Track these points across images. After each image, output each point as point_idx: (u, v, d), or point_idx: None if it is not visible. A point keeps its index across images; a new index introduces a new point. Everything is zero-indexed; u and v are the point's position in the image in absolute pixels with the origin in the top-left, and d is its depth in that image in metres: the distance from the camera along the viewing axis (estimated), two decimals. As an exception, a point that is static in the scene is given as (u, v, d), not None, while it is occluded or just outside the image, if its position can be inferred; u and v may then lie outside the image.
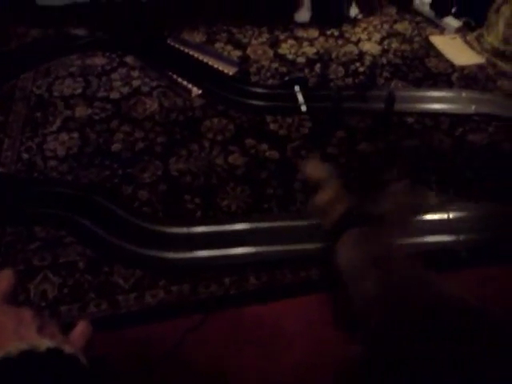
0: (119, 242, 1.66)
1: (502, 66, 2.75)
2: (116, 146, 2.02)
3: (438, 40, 2.90)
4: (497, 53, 2.84)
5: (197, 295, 1.56)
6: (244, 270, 1.63)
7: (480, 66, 2.74)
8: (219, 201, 1.84)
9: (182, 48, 2.59)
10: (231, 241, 1.70)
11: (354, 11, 3.02)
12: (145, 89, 2.31)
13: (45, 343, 0.49)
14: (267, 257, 1.68)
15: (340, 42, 2.79)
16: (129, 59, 2.48)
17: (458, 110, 2.40)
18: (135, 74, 2.40)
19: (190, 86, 2.33)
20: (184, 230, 1.72)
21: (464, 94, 2.52)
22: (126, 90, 2.30)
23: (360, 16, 3.03)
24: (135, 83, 2.34)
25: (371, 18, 3.05)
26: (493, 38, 2.91)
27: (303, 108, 2.31)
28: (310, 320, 1.52)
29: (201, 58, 2.53)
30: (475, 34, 2.96)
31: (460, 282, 1.66)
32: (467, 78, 2.61)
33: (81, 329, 0.55)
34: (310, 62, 2.62)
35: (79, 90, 2.31)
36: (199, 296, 1.55)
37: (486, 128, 2.30)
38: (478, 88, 2.57)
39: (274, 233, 1.75)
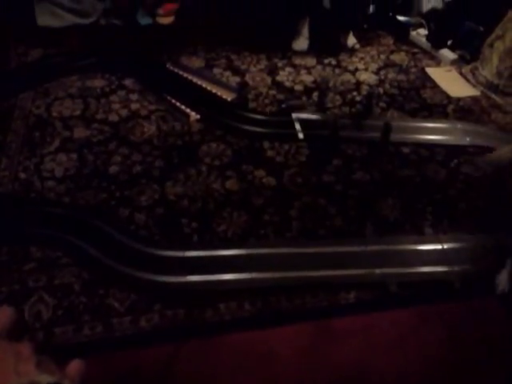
0: (115, 264, 1.65)
1: (496, 99, 2.80)
2: (113, 169, 2.02)
3: (433, 71, 2.96)
4: (491, 86, 2.89)
5: (191, 320, 1.54)
6: (239, 296, 1.62)
7: (475, 99, 2.78)
8: (215, 226, 1.83)
9: (180, 73, 2.62)
10: (227, 266, 1.70)
11: (351, 41, 3.07)
12: (143, 112, 2.33)
13: (45, 378, 0.49)
14: (262, 283, 1.67)
15: (337, 70, 2.83)
16: (128, 82, 2.51)
17: (453, 142, 2.43)
18: (134, 97, 2.42)
19: (188, 110, 2.35)
20: (180, 254, 1.71)
21: (459, 126, 2.56)
22: (124, 112, 2.31)
23: (357, 46, 3.09)
24: (134, 106, 2.36)
25: (368, 48, 3.10)
26: (487, 72, 2.97)
27: (301, 135, 2.33)
28: (304, 347, 1.51)
29: (199, 83, 2.56)
30: (470, 66, 3.01)
31: (453, 313, 1.67)
32: (462, 110, 2.65)
33: (76, 366, 0.55)
34: (308, 90, 2.65)
35: (78, 112, 2.32)
36: (194, 321, 1.54)
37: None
38: (472, 120, 2.61)
39: (270, 259, 1.75)
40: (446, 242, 1.91)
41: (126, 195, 1.91)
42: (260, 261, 1.74)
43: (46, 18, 2.85)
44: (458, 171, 2.24)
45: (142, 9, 3.10)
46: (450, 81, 2.91)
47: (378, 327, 1.61)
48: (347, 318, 1.62)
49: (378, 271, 1.77)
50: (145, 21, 3.06)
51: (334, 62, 2.91)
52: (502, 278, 1.71)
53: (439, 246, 1.90)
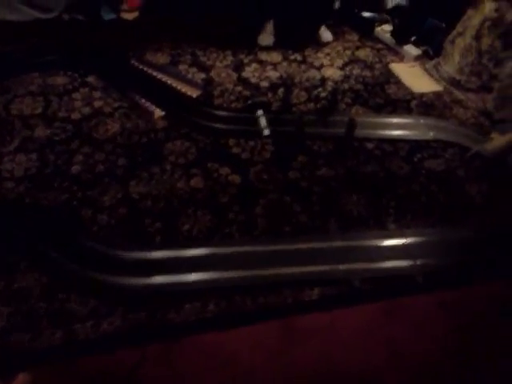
0: (76, 267, 1.62)
1: (458, 94, 2.85)
2: (75, 168, 1.98)
3: (397, 67, 2.99)
4: (453, 82, 2.95)
5: (155, 323, 1.53)
6: (204, 297, 1.62)
7: (437, 94, 2.83)
8: (180, 225, 1.82)
9: (145, 69, 2.58)
10: (191, 266, 1.69)
11: (327, 35, 3.09)
12: (107, 110, 2.29)
13: None
14: (227, 283, 1.67)
15: (303, 67, 2.84)
16: (91, 79, 2.46)
17: (417, 137, 2.47)
18: (97, 94, 2.37)
19: (152, 107, 2.32)
20: (143, 255, 1.70)
21: (422, 121, 2.59)
22: (87, 110, 2.27)
23: (331, 40, 3.10)
24: (97, 104, 2.32)
25: (334, 44, 3.12)
26: (449, 68, 3.02)
27: (266, 132, 2.33)
28: (269, 348, 1.52)
29: (164, 79, 2.53)
30: (433, 62, 3.06)
31: (417, 307, 1.70)
32: (425, 106, 2.69)
33: (21, 380, 0.54)
34: (274, 86, 2.65)
35: (39, 110, 2.27)
36: (157, 323, 1.53)
37: (442, 154, 2.38)
38: (435, 115, 2.65)
39: (235, 258, 1.75)
40: (409, 236, 1.95)
41: (88, 195, 1.88)
42: (225, 260, 1.74)
43: (3, 12, 2.76)
44: (421, 166, 2.28)
45: (106, 4, 3.05)
46: (414, 76, 2.94)
47: (342, 323, 1.63)
48: (311, 315, 1.64)
49: (341, 267, 1.79)
50: (109, 16, 3.01)
51: (299, 58, 2.91)
52: None
53: (402, 241, 1.93)
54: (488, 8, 2.92)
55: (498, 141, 2.40)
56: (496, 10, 2.87)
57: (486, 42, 2.89)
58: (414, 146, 2.40)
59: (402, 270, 1.82)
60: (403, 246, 1.92)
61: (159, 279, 1.65)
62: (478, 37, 2.93)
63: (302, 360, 1.51)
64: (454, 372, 1.55)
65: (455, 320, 1.67)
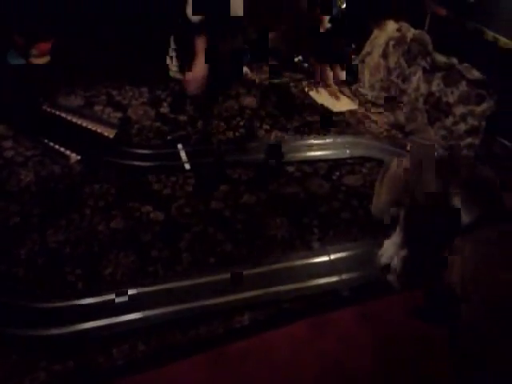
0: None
1: (370, 110, 3.00)
2: (-12, 223, 1.91)
3: (315, 91, 3.10)
4: (365, 99, 3.09)
5: (82, 371, 1.48)
6: (132, 337, 1.58)
7: (352, 112, 2.95)
8: (102, 269, 1.79)
9: (58, 113, 2.54)
10: (116, 309, 1.65)
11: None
12: (19, 159, 2.23)
13: None
14: (155, 320, 1.65)
15: (220, 98, 2.88)
16: (0, 128, 2.39)
17: (335, 156, 2.56)
18: (8, 144, 2.30)
19: (67, 152, 2.28)
20: (63, 303, 1.65)
21: (339, 140, 2.70)
22: (-3, 161, 2.20)
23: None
24: (8, 154, 2.25)
25: (250, 74, 3.19)
26: (361, 86, 3.18)
27: (187, 166, 2.34)
28: (199, 381, 1.50)
29: (79, 122, 2.50)
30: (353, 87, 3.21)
31: (345, 320, 1.74)
32: (341, 124, 2.80)
33: None
34: (192, 119, 2.67)
35: None
36: (85, 372, 1.48)
37: (360, 170, 2.47)
38: (351, 132, 2.76)
39: (161, 295, 1.73)
40: (333, 252, 2.00)
41: (2, 249, 1.80)
42: (151, 298, 1.72)
43: None
44: (340, 183, 2.35)
45: (14, 50, 2.98)
46: (330, 97, 3.06)
47: (272, 345, 1.64)
48: (242, 341, 1.64)
49: (271, 290, 1.81)
50: (17, 61, 2.94)
51: (216, 89, 2.96)
52: (386, 249, 1.64)
53: (326, 258, 1.98)
54: (391, 28, 3.11)
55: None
56: (398, 30, 3.06)
57: (392, 59, 3.06)
58: (333, 164, 2.48)
59: (327, 286, 1.86)
60: (328, 262, 1.96)
61: (84, 326, 1.60)
62: (384, 55, 3.10)
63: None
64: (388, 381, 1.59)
65: (381, 330, 1.72)
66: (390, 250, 1.50)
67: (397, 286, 1.44)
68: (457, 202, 1.23)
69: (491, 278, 1.09)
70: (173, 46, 2.92)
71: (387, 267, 1.49)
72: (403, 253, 1.44)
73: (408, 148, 2.53)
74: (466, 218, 1.22)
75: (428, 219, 1.29)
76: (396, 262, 1.46)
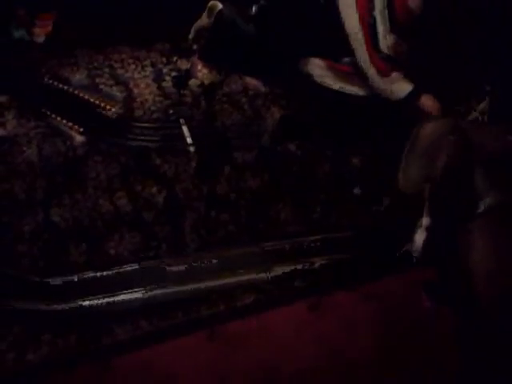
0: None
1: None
2: (-10, 196, 1.90)
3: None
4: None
5: (84, 346, 1.50)
6: (135, 315, 1.60)
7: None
8: (106, 246, 1.79)
9: (60, 86, 2.51)
10: (119, 286, 1.67)
11: None
12: (21, 131, 2.20)
13: None
14: (158, 299, 1.66)
15: (223, 73, 2.84)
16: (3, 99, 2.35)
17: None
18: (10, 115, 2.28)
19: (70, 124, 2.26)
20: (67, 278, 1.66)
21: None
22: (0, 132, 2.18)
23: None
24: (10, 125, 2.22)
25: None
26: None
27: (189, 140, 2.33)
28: (202, 358, 1.53)
29: (81, 95, 2.47)
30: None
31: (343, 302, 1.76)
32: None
33: None
34: (196, 96, 2.64)
35: None
36: (87, 347, 1.50)
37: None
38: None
39: (164, 274, 1.74)
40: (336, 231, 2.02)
41: (7, 224, 1.80)
42: (153, 277, 1.73)
43: None
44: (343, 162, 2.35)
45: (16, 21, 2.93)
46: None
47: (273, 324, 1.66)
48: (243, 320, 1.66)
49: (271, 270, 1.82)
50: (19, 34, 2.89)
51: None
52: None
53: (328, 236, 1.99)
54: None
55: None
56: None
57: None
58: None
59: (328, 266, 1.88)
60: (329, 241, 1.98)
61: (87, 302, 1.62)
62: None
63: (236, 366, 1.54)
64: (387, 365, 1.61)
65: (380, 311, 1.74)
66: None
67: (417, 255, 1.41)
68: (479, 180, 1.17)
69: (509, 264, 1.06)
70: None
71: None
72: (426, 222, 1.40)
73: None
74: (488, 198, 1.16)
75: (451, 193, 1.24)
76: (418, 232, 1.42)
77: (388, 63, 2.39)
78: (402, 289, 1.84)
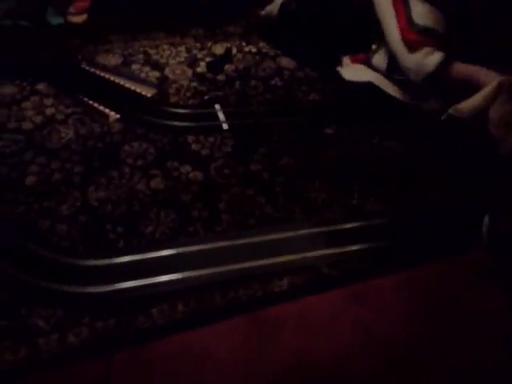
0: (36, 280, 1.58)
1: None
2: (30, 179, 1.93)
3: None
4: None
5: (122, 330, 1.50)
6: (172, 298, 1.60)
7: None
8: (142, 228, 1.79)
9: (97, 72, 2.53)
10: (156, 269, 1.66)
11: None
12: (59, 117, 2.23)
13: None
14: (195, 281, 1.65)
15: (258, 57, 2.82)
16: (41, 86, 2.39)
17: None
18: (49, 101, 2.31)
19: (107, 110, 2.27)
20: (105, 261, 1.67)
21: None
22: (39, 119, 2.20)
23: None
24: (49, 111, 2.25)
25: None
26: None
27: (225, 126, 2.31)
28: (239, 343, 1.51)
29: (117, 81, 2.48)
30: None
31: (382, 289, 1.72)
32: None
33: None
34: (230, 80, 2.62)
35: (-13, 122, 2.19)
36: (125, 330, 1.50)
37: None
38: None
39: (201, 256, 1.73)
40: (373, 218, 1.97)
41: (45, 206, 1.83)
42: (190, 259, 1.72)
43: None
44: (380, 147, 2.30)
45: (52, 8, 2.96)
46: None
47: (310, 310, 1.63)
48: (280, 305, 1.63)
49: (309, 255, 1.79)
50: (55, 20, 2.92)
51: (254, 50, 2.89)
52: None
53: (366, 223, 1.95)
54: None
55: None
56: None
57: None
58: (372, 128, 2.42)
59: (367, 252, 1.83)
60: (367, 227, 1.93)
61: (125, 285, 1.62)
62: None
63: (273, 351, 1.51)
64: (425, 353, 1.57)
65: (414, 300, 1.70)
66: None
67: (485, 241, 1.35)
68: None
69: None
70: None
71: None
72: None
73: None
74: None
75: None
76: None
77: (422, 36, 2.30)
78: (436, 279, 1.79)
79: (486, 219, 1.60)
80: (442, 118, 1.95)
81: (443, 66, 2.27)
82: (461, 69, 2.31)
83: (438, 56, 2.28)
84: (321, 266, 1.75)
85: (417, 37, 2.32)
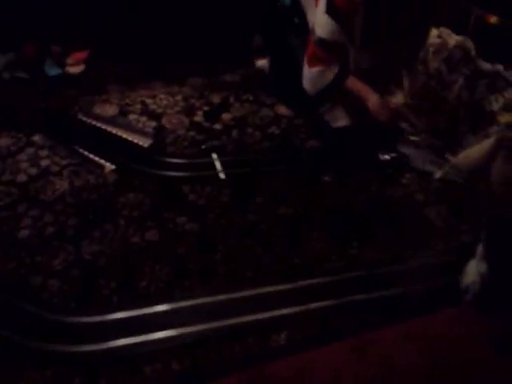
0: (25, 340, 1.52)
1: (410, 118, 2.89)
2: (23, 233, 1.90)
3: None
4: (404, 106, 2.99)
5: (115, 390, 1.44)
6: (165, 356, 1.54)
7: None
8: (137, 282, 1.75)
9: (93, 122, 2.53)
10: (150, 325, 1.61)
11: None
12: (54, 168, 2.21)
13: None
14: (189, 338, 1.59)
15: (255, 106, 2.84)
16: (37, 138, 2.39)
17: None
18: (44, 153, 2.30)
19: (102, 161, 2.26)
20: (97, 318, 1.61)
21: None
22: (33, 171, 2.19)
23: None
24: (44, 163, 2.24)
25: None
26: (399, 93, 3.07)
27: (222, 175, 2.30)
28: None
29: (114, 131, 2.48)
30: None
31: (386, 340, 1.65)
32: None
33: None
34: (227, 128, 2.63)
35: (-19, 175, 2.18)
36: (117, 392, 1.44)
37: (399, 180, 2.38)
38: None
39: (196, 311, 1.68)
40: (373, 267, 1.92)
41: (37, 261, 1.79)
42: (185, 314, 1.67)
43: None
44: (379, 194, 2.27)
45: (50, 59, 3.01)
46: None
47: (311, 368, 1.57)
48: (279, 361, 1.57)
49: (310, 306, 1.74)
50: (54, 71, 2.96)
51: (251, 98, 2.91)
52: (469, 271, 1.57)
53: (367, 273, 1.90)
54: (431, 35, 3.00)
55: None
56: (438, 36, 2.95)
57: (432, 66, 2.96)
58: (371, 174, 2.40)
59: (368, 302, 1.78)
60: (368, 277, 1.89)
61: (118, 343, 1.56)
62: (424, 62, 3.00)
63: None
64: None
65: (424, 351, 1.63)
66: (473, 268, 1.36)
67: (469, 300, 1.31)
68: None
69: None
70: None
71: (467, 289, 1.36)
72: (483, 268, 1.30)
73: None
74: None
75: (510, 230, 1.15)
76: (474, 280, 1.32)
77: (320, 48, 2.39)
78: (447, 327, 1.73)
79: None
80: (437, 176, 1.93)
81: (336, 82, 2.42)
82: (350, 84, 2.46)
83: (333, 71, 2.40)
84: (320, 318, 1.70)
85: (315, 49, 2.40)
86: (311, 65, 2.44)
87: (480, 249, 1.36)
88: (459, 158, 1.70)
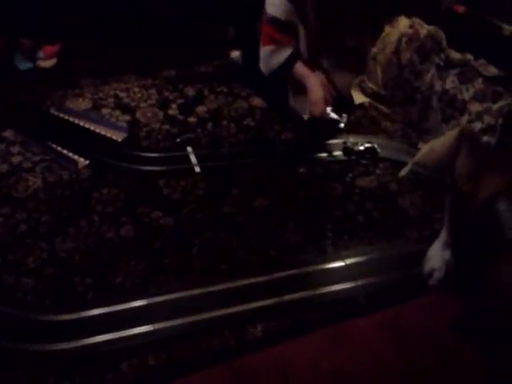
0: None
1: (383, 109, 2.92)
2: (-5, 231, 1.87)
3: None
4: (377, 97, 3.02)
5: (91, 388, 1.44)
6: (142, 352, 1.54)
7: (364, 111, 2.88)
8: (112, 278, 1.74)
9: (65, 117, 2.50)
10: (125, 321, 1.61)
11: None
12: (27, 165, 2.19)
13: None
14: (165, 333, 1.60)
15: (230, 98, 2.83)
16: (8, 133, 2.35)
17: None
18: (15, 149, 2.27)
19: (76, 157, 2.24)
20: (73, 315, 1.60)
21: (351, 139, 2.62)
22: (4, 167, 2.16)
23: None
24: (15, 160, 2.21)
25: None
26: (373, 84, 3.10)
27: (197, 169, 2.29)
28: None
29: (87, 126, 2.46)
30: (357, 80, 3.12)
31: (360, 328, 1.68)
32: (353, 123, 2.73)
33: None
34: (202, 121, 2.62)
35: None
36: (94, 388, 1.44)
37: (373, 171, 2.41)
38: (364, 131, 2.69)
39: (172, 306, 1.68)
40: (348, 257, 1.94)
41: (9, 259, 1.77)
42: (161, 309, 1.67)
43: None
44: (353, 185, 2.29)
45: (21, 53, 2.95)
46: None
47: (289, 357, 1.59)
48: (257, 353, 1.58)
49: (285, 298, 1.75)
50: (24, 65, 2.91)
51: (225, 90, 2.90)
52: (432, 255, 1.55)
53: (342, 263, 1.92)
54: (403, 24, 3.02)
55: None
56: (410, 26, 2.98)
57: (404, 56, 2.98)
58: (345, 165, 2.42)
59: (344, 292, 1.80)
60: (343, 267, 1.91)
61: (93, 340, 1.56)
62: (397, 52, 3.02)
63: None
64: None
65: (398, 338, 1.66)
66: (436, 253, 1.38)
67: (433, 284, 1.33)
68: (503, 206, 1.10)
69: None
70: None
71: (431, 273, 1.37)
72: (446, 255, 1.32)
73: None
74: None
75: (472, 220, 1.16)
76: (439, 266, 1.34)
77: (272, 27, 2.41)
78: (420, 314, 1.76)
79: None
80: (401, 173, 1.93)
81: (289, 63, 2.43)
82: (298, 69, 2.48)
83: (285, 53, 2.42)
84: (296, 309, 1.72)
85: (268, 29, 2.42)
86: (264, 43, 2.46)
87: (444, 235, 1.38)
88: (423, 154, 1.71)
